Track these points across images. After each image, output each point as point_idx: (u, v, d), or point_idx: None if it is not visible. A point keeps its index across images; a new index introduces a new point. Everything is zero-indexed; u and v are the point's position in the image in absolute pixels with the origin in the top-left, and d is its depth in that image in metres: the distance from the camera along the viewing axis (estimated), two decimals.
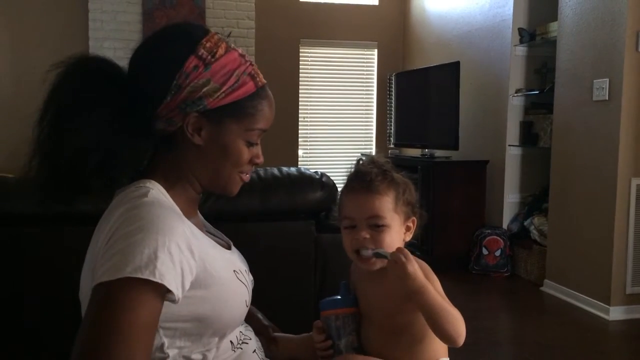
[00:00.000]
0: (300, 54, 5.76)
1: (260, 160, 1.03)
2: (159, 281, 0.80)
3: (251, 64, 0.98)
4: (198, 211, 1.10)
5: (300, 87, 5.77)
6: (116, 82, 0.94)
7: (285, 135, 5.62)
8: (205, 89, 0.93)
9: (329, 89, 5.94)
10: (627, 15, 3.11)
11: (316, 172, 1.70)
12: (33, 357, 1.35)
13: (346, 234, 1.07)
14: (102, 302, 0.79)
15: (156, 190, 0.93)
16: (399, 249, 1.01)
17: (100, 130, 0.90)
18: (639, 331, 3.09)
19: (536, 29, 4.06)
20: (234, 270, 1.00)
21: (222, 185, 1.01)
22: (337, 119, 5.98)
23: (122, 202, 0.90)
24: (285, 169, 1.65)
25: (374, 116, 6.03)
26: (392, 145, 5.52)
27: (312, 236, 1.57)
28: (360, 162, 1.10)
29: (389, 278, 1.02)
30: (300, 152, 5.80)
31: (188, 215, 0.97)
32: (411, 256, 1.00)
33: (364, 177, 1.05)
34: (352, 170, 1.10)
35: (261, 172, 1.60)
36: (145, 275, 0.79)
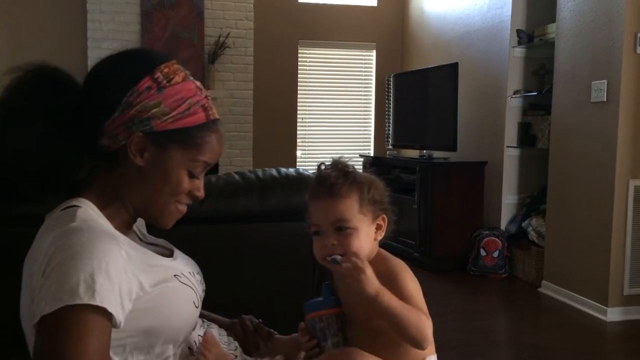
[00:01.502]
0: (299, 55, 5.76)
1: (201, 194, 1.01)
2: (100, 304, 0.80)
3: (206, 97, 0.99)
4: (137, 222, 1.08)
5: (298, 87, 5.77)
6: (68, 93, 0.95)
7: (283, 136, 5.62)
8: (154, 110, 0.93)
9: (327, 89, 5.95)
10: (625, 16, 3.11)
11: (314, 172, 1.70)
12: None
13: (315, 241, 1.06)
14: (49, 336, 0.79)
15: (84, 209, 0.92)
16: (348, 257, 0.99)
17: (42, 137, 0.90)
18: (637, 332, 3.09)
19: (534, 30, 4.07)
20: (175, 275, 0.98)
21: (157, 213, 0.99)
22: (336, 120, 5.99)
23: (50, 229, 0.90)
24: (283, 169, 1.65)
25: (373, 117, 6.03)
26: (390, 147, 5.52)
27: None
28: (322, 166, 1.08)
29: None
30: (298, 153, 5.80)
31: (122, 231, 0.96)
32: (362, 263, 0.98)
33: (324, 182, 1.04)
34: (314, 176, 1.08)
35: (260, 172, 1.60)
36: (85, 300, 0.79)
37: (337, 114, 5.99)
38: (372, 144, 6.05)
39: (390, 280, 1.01)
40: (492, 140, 4.44)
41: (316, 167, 1.09)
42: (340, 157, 1.09)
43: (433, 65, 4.88)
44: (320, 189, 1.04)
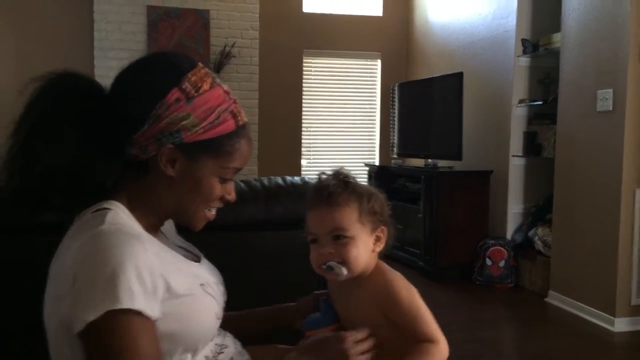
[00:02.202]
0: (304, 64, 5.78)
1: (232, 197, 1.02)
2: (138, 308, 0.81)
3: (234, 102, 0.98)
4: (165, 225, 1.08)
5: (303, 97, 5.79)
6: (95, 102, 0.93)
7: (288, 144, 5.63)
8: (184, 123, 0.92)
9: (332, 99, 5.96)
10: (630, 25, 3.11)
11: None
12: None
13: (312, 250, 1.05)
14: (99, 344, 0.80)
15: (115, 212, 0.92)
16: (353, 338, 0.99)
17: (71, 150, 0.90)
18: None
19: (539, 39, 4.06)
20: (201, 284, 0.98)
21: (187, 220, 1.00)
22: (340, 129, 5.99)
23: (79, 232, 0.89)
24: (289, 178, 1.65)
25: (377, 126, 6.04)
26: (395, 155, 5.52)
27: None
28: (322, 176, 1.08)
29: (364, 299, 1.01)
30: (303, 162, 5.81)
31: (151, 232, 0.96)
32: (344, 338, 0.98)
33: (322, 190, 1.03)
34: (313, 184, 1.08)
35: (265, 181, 1.60)
36: (127, 304, 0.80)
37: (342, 123, 5.99)
38: (377, 153, 6.05)
39: (388, 301, 1.00)
40: (497, 149, 4.43)
41: (317, 176, 1.09)
42: (341, 168, 1.08)
43: (438, 75, 4.89)
44: (318, 197, 1.03)
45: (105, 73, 4.74)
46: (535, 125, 4.21)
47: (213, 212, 1.02)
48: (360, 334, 1.00)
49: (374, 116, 6.06)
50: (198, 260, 1.07)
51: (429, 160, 4.77)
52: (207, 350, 1.00)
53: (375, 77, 6.03)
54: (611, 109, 3.24)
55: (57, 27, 5.05)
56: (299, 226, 1.59)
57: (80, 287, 0.81)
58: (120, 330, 0.80)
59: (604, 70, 3.31)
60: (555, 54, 3.82)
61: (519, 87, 4.24)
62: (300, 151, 5.79)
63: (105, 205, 0.93)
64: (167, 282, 0.89)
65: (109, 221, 0.88)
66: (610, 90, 3.23)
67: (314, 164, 5.88)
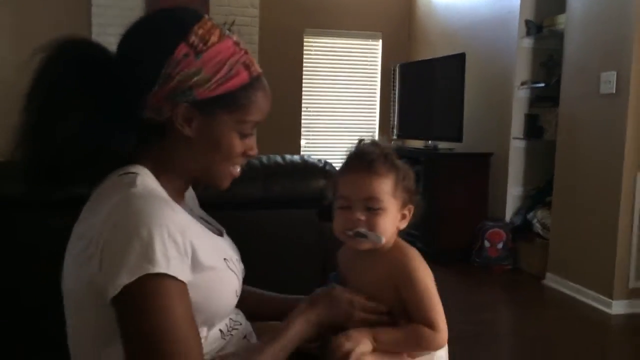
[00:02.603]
0: (305, 44, 5.71)
1: (254, 152, 1.00)
2: (173, 274, 0.81)
3: (246, 53, 0.94)
4: (187, 196, 1.08)
5: (303, 76, 5.74)
6: (103, 68, 0.90)
7: (287, 124, 5.59)
8: (195, 79, 0.89)
9: (332, 79, 5.91)
10: (636, 7, 3.06)
11: (319, 160, 1.68)
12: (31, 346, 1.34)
13: (339, 215, 1.03)
14: (136, 306, 0.80)
15: (143, 176, 0.90)
16: (338, 339, 0.97)
17: (86, 119, 0.87)
18: None
19: (543, 21, 4.01)
20: (225, 259, 0.97)
21: (212, 179, 0.98)
22: (340, 109, 5.95)
23: (108, 193, 0.87)
24: (288, 156, 1.63)
25: (377, 107, 5.99)
26: (395, 137, 5.49)
27: (315, 224, 1.55)
28: (362, 142, 1.07)
29: (380, 273, 1.00)
30: (302, 142, 5.78)
31: (176, 200, 0.94)
32: (347, 339, 0.97)
33: (365, 157, 1.02)
34: (353, 150, 1.07)
35: (264, 159, 1.58)
36: (163, 269, 0.79)
37: (341, 104, 5.95)
38: (376, 133, 6.02)
39: (404, 276, 1.00)
40: (498, 131, 4.40)
41: (356, 142, 1.08)
42: (380, 138, 1.09)
43: (440, 56, 4.84)
44: (360, 163, 1.02)
45: None
46: (537, 108, 4.17)
47: (238, 168, 0.99)
48: (370, 304, 1.01)
49: (374, 97, 6.01)
50: (221, 235, 1.06)
51: (429, 141, 4.75)
52: (223, 324, 0.99)
53: (376, 57, 5.97)
54: (614, 91, 3.20)
55: (54, 3, 4.98)
56: (297, 205, 1.58)
57: (115, 251, 0.80)
58: (156, 293, 0.79)
59: (607, 53, 3.27)
60: (559, 36, 3.77)
61: (522, 69, 4.20)
62: (299, 131, 5.75)
63: (132, 169, 0.91)
64: (195, 251, 0.87)
65: (140, 184, 0.87)
66: (614, 73, 3.20)
67: (313, 144, 5.85)
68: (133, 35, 0.93)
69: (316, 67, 5.82)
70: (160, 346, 0.79)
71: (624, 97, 3.14)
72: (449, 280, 3.89)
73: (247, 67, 0.94)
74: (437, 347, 0.99)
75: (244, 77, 0.93)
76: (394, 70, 5.55)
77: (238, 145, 0.96)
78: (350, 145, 1.08)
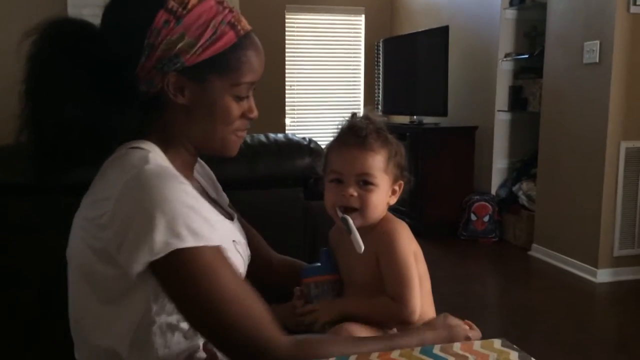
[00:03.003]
0: (286, 21, 5.64)
1: (254, 114, 0.98)
2: (202, 244, 0.81)
3: (230, 11, 0.91)
4: (199, 175, 1.07)
5: (286, 54, 5.67)
6: (91, 45, 0.88)
7: (272, 103, 5.54)
8: (180, 45, 0.86)
9: (316, 56, 5.85)
10: None
11: (304, 138, 1.66)
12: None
13: (331, 189, 1.03)
14: (180, 281, 0.80)
15: (154, 154, 0.89)
16: (307, 309, 1.02)
17: (82, 97, 0.86)
18: (626, 293, 3.13)
19: None
20: (234, 240, 0.96)
21: (218, 147, 0.96)
22: (325, 87, 5.91)
23: (122, 165, 0.86)
24: (272, 135, 1.61)
25: (362, 83, 5.96)
26: (380, 113, 5.47)
27: (301, 203, 1.54)
28: (355, 116, 1.06)
29: (365, 241, 0.99)
30: (287, 121, 5.74)
31: (186, 176, 0.93)
32: (318, 313, 1.01)
33: (359, 132, 1.01)
34: (346, 123, 1.05)
35: (248, 138, 1.56)
36: (192, 243, 0.80)
37: (326, 81, 5.90)
38: (361, 110, 5.98)
39: (385, 245, 1.00)
40: (482, 104, 4.40)
41: (349, 115, 1.07)
42: (371, 110, 1.08)
43: (423, 29, 4.80)
44: (354, 138, 1.01)
45: None
46: (521, 80, 4.18)
47: (241, 133, 0.98)
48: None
49: (359, 73, 5.97)
50: (231, 219, 1.05)
51: (415, 117, 4.74)
52: None
53: (360, 32, 5.92)
54: (597, 60, 3.20)
55: None
56: (283, 184, 1.57)
57: (139, 229, 0.79)
58: (192, 263, 0.80)
59: (591, 22, 3.26)
60: (542, 6, 3.75)
61: (505, 41, 4.18)
62: (284, 110, 5.71)
63: (140, 145, 0.90)
64: (208, 224, 0.86)
65: (153, 161, 0.85)
66: (597, 42, 3.20)
67: (298, 122, 5.81)
68: (112, 8, 0.91)
69: (299, 45, 5.76)
70: (218, 308, 0.81)
71: (607, 66, 3.14)
72: (437, 254, 3.92)
73: (233, 26, 0.90)
74: (404, 322, 0.98)
75: (230, 37, 0.90)
76: (378, 46, 5.51)
77: (235, 108, 0.93)
78: (341, 119, 1.07)
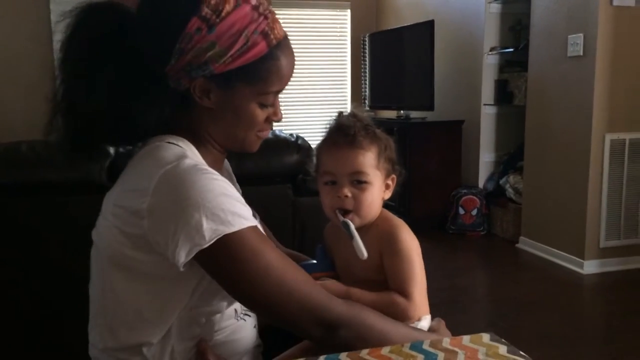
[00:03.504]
0: None
1: (278, 117, 0.98)
2: (247, 225, 0.84)
3: (265, 18, 0.89)
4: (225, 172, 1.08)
5: None
6: (126, 35, 0.88)
7: None
8: (210, 54, 0.86)
9: (301, 51, 5.82)
10: None
11: (291, 134, 1.66)
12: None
13: (326, 191, 1.03)
14: (236, 260, 0.82)
15: (190, 151, 0.91)
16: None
17: (114, 87, 0.87)
18: (613, 283, 3.16)
19: None
20: None
21: (239, 147, 0.98)
22: (311, 82, 5.89)
23: (157, 160, 0.86)
24: None
25: (349, 78, 5.95)
26: (367, 108, 5.47)
27: (290, 199, 1.54)
28: (342, 115, 1.06)
29: (365, 240, 0.99)
30: None
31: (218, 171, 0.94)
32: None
33: (347, 130, 1.01)
34: (333, 123, 1.05)
35: None
36: (237, 227, 0.82)
37: (312, 76, 5.89)
38: (348, 105, 5.99)
39: (389, 244, 1.00)
40: (469, 98, 4.42)
41: (335, 115, 1.07)
42: (356, 107, 1.09)
43: (409, 24, 4.80)
44: (342, 137, 1.01)
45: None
46: (506, 73, 4.20)
47: (264, 133, 0.99)
48: None
49: (345, 68, 5.96)
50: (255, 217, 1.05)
51: (401, 111, 4.75)
52: (237, 304, 0.98)
53: (345, 27, 5.91)
54: (582, 53, 3.23)
55: None
56: (270, 181, 1.56)
57: (183, 222, 0.80)
58: (240, 246, 0.83)
59: (574, 15, 3.28)
60: (526, 0, 3.77)
61: (490, 35, 4.20)
62: None
63: (173, 140, 0.91)
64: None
65: (190, 156, 0.88)
66: (581, 35, 3.22)
67: (286, 118, 5.79)
68: (146, 8, 0.90)
69: None
70: (272, 284, 0.84)
71: (591, 58, 3.16)
72: (425, 248, 3.85)
73: (265, 36, 0.89)
74: (407, 318, 0.98)
75: (262, 47, 0.89)
76: (364, 40, 5.50)
77: (259, 114, 0.94)
78: (327, 118, 1.07)
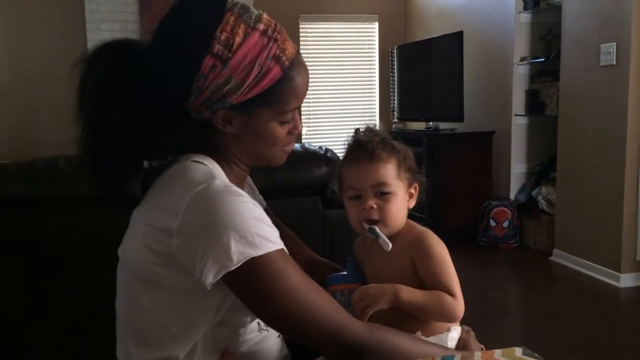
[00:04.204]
0: (300, 30, 5.67)
1: (299, 129, 1.01)
2: (274, 249, 0.86)
3: (275, 42, 0.90)
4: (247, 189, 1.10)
5: None
6: (145, 73, 0.90)
7: None
8: (227, 88, 0.88)
9: (330, 64, 5.87)
10: None
11: (320, 147, 1.67)
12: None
13: (351, 206, 1.06)
14: (262, 282, 0.84)
15: (215, 170, 0.93)
16: (358, 292, 1.00)
17: (135, 125, 0.90)
18: None
19: None
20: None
21: (266, 163, 1.01)
22: (340, 95, 5.92)
23: (187, 180, 0.88)
24: None
25: (377, 90, 5.96)
26: (396, 120, 5.47)
27: (319, 212, 1.55)
28: (358, 132, 1.09)
29: (396, 253, 1.00)
30: (303, 130, 5.75)
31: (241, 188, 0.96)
32: (367, 292, 1.00)
33: (365, 145, 1.04)
34: (351, 140, 1.08)
35: None
36: (264, 250, 0.84)
37: (341, 89, 5.92)
38: (377, 117, 5.99)
39: (420, 249, 1.02)
40: (499, 109, 4.38)
41: (353, 132, 1.10)
42: (372, 125, 1.10)
43: (437, 35, 4.79)
44: (362, 152, 1.04)
45: None
46: (537, 83, 4.15)
47: (288, 147, 1.01)
48: None
49: (374, 80, 5.98)
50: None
51: (431, 123, 4.73)
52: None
53: (374, 40, 5.93)
54: (614, 62, 3.17)
55: (46, 2, 4.94)
56: (301, 194, 1.57)
57: (212, 243, 0.82)
58: (268, 268, 0.84)
59: (607, 24, 3.24)
60: (556, 9, 3.73)
61: (520, 45, 4.16)
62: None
63: (199, 159, 0.93)
64: None
65: (219, 177, 0.90)
66: (614, 44, 3.17)
67: (315, 131, 5.83)
68: (159, 49, 0.91)
69: (313, 54, 5.78)
70: (297, 307, 0.85)
71: (625, 68, 3.11)
72: (456, 261, 3.82)
73: (278, 59, 0.90)
74: (457, 317, 1.00)
75: (276, 72, 0.90)
76: (392, 53, 5.51)
77: (280, 132, 0.96)
78: (347, 135, 1.10)
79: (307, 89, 0.97)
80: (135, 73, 0.91)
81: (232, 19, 0.87)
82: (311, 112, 5.82)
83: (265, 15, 0.92)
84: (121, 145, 0.90)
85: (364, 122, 1.11)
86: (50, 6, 4.94)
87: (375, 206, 1.02)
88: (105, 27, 4.80)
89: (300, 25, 5.66)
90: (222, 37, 0.86)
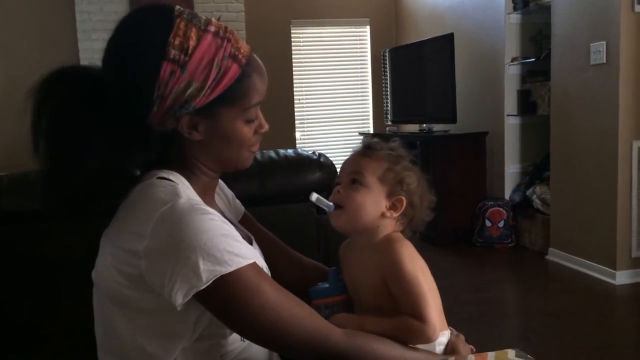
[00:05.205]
0: (292, 35, 5.69)
1: (265, 128, 1.00)
2: (244, 264, 0.85)
3: (228, 41, 0.91)
4: (219, 199, 1.09)
5: (294, 69, 5.71)
6: (100, 97, 0.89)
7: (281, 118, 5.57)
8: (189, 92, 0.87)
9: (323, 69, 5.89)
10: None
11: (314, 152, 1.67)
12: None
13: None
14: (235, 299, 0.83)
15: (182, 185, 0.91)
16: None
17: (96, 150, 0.88)
18: None
19: None
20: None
21: (233, 167, 1.00)
22: (333, 99, 5.93)
23: (153, 200, 0.86)
24: (282, 151, 1.63)
25: (370, 94, 5.98)
26: (389, 122, 5.48)
27: (313, 217, 1.55)
28: (373, 139, 1.10)
29: (370, 266, 0.99)
30: (297, 135, 5.76)
31: (209, 202, 0.95)
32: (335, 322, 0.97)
33: (367, 143, 1.06)
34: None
35: (258, 156, 1.57)
36: (234, 266, 0.83)
37: (334, 93, 5.93)
38: (371, 120, 6.00)
39: (390, 267, 0.98)
40: (491, 109, 4.40)
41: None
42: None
43: (428, 37, 4.81)
44: (362, 148, 1.05)
45: (91, 56, 4.67)
46: (528, 83, 4.17)
47: (254, 147, 1.01)
48: None
49: (366, 84, 6.00)
50: (251, 243, 1.06)
51: (424, 125, 4.74)
52: None
53: (365, 43, 5.95)
54: (605, 61, 3.19)
55: (39, 11, 4.94)
56: (294, 200, 1.58)
57: (180, 264, 0.81)
58: (239, 284, 0.84)
59: (596, 23, 3.26)
60: (546, 9, 3.75)
61: (511, 45, 4.18)
62: (294, 124, 5.74)
63: (165, 175, 0.92)
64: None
65: (184, 195, 0.88)
66: (604, 43, 3.19)
67: (309, 136, 5.84)
68: (113, 63, 0.90)
69: (306, 58, 5.80)
70: (273, 320, 0.85)
71: (615, 66, 3.13)
72: (453, 262, 3.90)
73: (234, 58, 0.91)
74: (427, 340, 0.95)
75: (234, 70, 0.91)
76: (384, 56, 5.52)
77: (247, 131, 0.96)
78: (350, 135, 1.12)
79: (266, 85, 0.97)
80: (91, 98, 0.89)
81: (182, 24, 0.88)
82: (304, 117, 5.83)
83: (213, 19, 0.92)
84: (87, 170, 0.88)
85: (357, 126, 1.11)
86: (41, 16, 4.94)
87: (341, 191, 1.01)
88: (96, 37, 4.79)
89: (292, 31, 5.67)
90: (176, 42, 0.86)
